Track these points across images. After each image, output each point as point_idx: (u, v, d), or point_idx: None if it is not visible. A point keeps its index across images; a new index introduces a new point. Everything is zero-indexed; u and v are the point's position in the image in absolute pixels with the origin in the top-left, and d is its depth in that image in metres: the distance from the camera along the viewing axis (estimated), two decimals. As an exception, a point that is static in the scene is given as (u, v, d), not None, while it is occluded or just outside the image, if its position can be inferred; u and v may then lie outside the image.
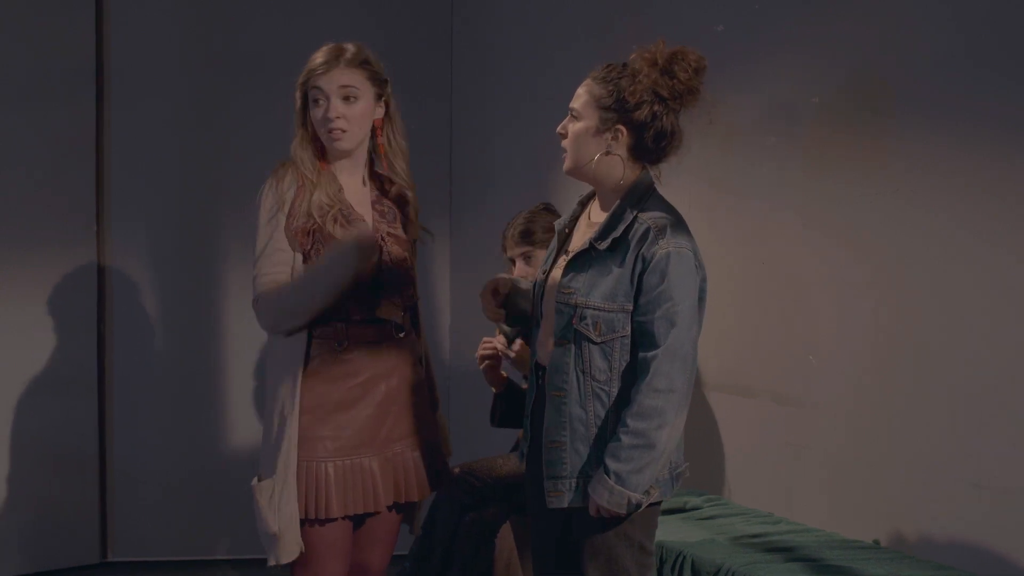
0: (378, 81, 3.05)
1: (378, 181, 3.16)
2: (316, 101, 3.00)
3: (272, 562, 2.97)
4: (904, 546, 3.39)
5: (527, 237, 3.76)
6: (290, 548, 2.96)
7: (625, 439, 2.66)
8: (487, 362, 3.59)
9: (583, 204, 2.97)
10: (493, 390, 3.77)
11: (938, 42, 3.31)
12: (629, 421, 2.66)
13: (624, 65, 2.78)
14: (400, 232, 3.11)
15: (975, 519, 3.19)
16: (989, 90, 3.17)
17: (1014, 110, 3.11)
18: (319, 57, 3.01)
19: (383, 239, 3.04)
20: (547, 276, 2.91)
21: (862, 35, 3.54)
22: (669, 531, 3.53)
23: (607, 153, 2.78)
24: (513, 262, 3.81)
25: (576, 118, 2.80)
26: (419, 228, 3.21)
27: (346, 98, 2.99)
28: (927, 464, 3.33)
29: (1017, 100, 3.10)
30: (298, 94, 3.04)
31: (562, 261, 2.86)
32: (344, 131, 3.00)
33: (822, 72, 3.67)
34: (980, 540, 3.18)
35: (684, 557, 3.33)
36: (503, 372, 3.74)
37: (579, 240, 2.87)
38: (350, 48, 3.02)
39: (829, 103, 3.65)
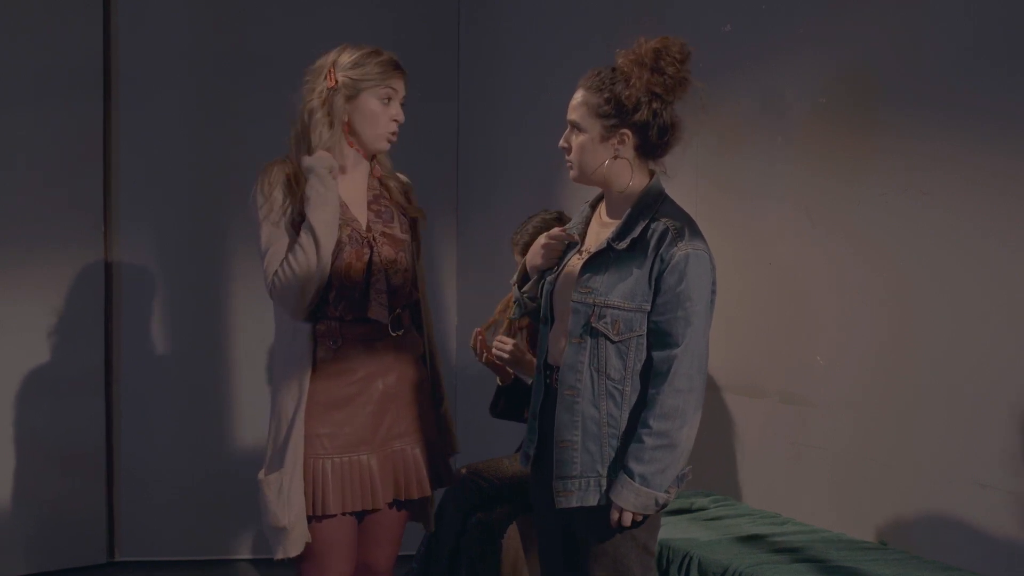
0: None
1: (379, 180, 3.18)
2: (388, 100, 3.06)
3: (280, 555, 2.99)
4: (911, 546, 3.38)
5: None
6: (299, 541, 2.98)
7: (648, 440, 2.68)
8: (495, 361, 3.63)
9: (593, 206, 2.98)
10: (499, 382, 3.79)
11: (945, 41, 3.31)
12: (652, 422, 2.69)
13: (613, 69, 2.79)
14: (396, 232, 3.11)
15: (982, 519, 3.19)
16: (996, 88, 3.16)
17: (1020, 107, 3.10)
18: (384, 59, 3.05)
19: (374, 240, 3.06)
20: (558, 276, 2.91)
21: (869, 34, 3.53)
22: (676, 531, 3.54)
23: (615, 157, 2.79)
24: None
25: (579, 130, 2.82)
26: (417, 212, 3.22)
27: (402, 104, 3.10)
28: (934, 464, 3.33)
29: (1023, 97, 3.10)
30: (344, 87, 3.03)
31: (575, 260, 2.87)
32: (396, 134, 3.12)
33: (830, 72, 3.67)
34: (987, 540, 3.17)
35: (691, 558, 3.33)
36: (509, 369, 3.75)
37: (593, 241, 2.89)
38: (394, 54, 3.09)
39: (837, 103, 3.65)
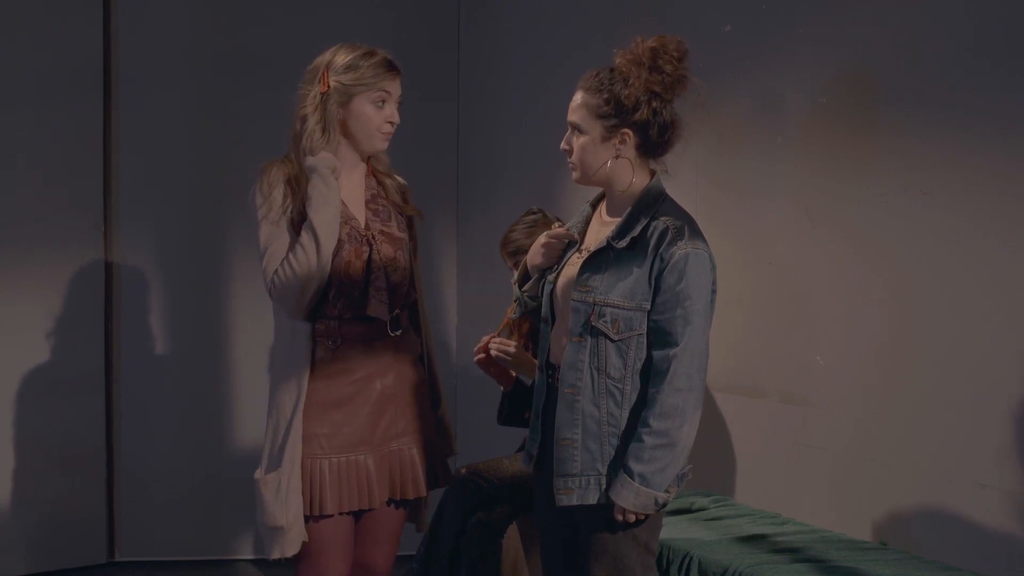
0: None
1: (376, 179, 3.18)
2: (382, 103, 3.05)
3: (276, 555, 2.99)
4: (911, 546, 3.38)
5: (521, 253, 3.78)
6: (296, 541, 2.98)
7: (648, 440, 2.69)
8: (489, 361, 3.60)
9: (594, 205, 2.99)
10: (502, 388, 3.78)
11: (945, 41, 3.31)
12: (652, 421, 2.69)
13: (611, 70, 2.80)
14: (394, 230, 3.11)
15: (982, 519, 3.19)
16: (996, 88, 3.16)
17: (1020, 107, 3.10)
18: (377, 61, 3.03)
19: (373, 238, 3.05)
20: (558, 275, 2.91)
21: (869, 34, 3.53)
22: (676, 532, 3.53)
23: (617, 157, 2.80)
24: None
25: (579, 131, 2.82)
26: (413, 210, 3.22)
27: (398, 104, 3.09)
28: (934, 464, 3.33)
29: (1024, 98, 3.11)
30: (336, 92, 3.02)
31: (576, 259, 2.87)
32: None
33: (830, 72, 3.66)
34: (987, 540, 3.17)
35: (691, 558, 3.33)
36: (512, 371, 3.74)
37: (593, 240, 2.89)
38: (389, 54, 3.08)
39: (837, 103, 3.64)
